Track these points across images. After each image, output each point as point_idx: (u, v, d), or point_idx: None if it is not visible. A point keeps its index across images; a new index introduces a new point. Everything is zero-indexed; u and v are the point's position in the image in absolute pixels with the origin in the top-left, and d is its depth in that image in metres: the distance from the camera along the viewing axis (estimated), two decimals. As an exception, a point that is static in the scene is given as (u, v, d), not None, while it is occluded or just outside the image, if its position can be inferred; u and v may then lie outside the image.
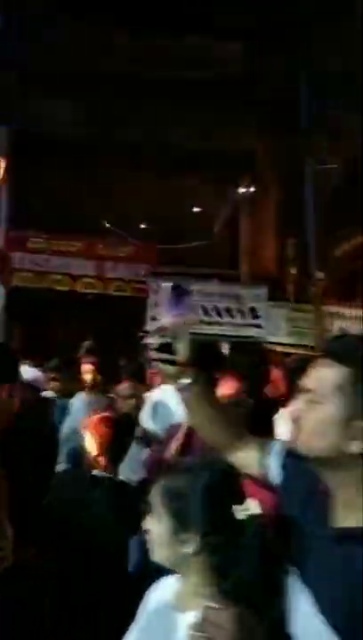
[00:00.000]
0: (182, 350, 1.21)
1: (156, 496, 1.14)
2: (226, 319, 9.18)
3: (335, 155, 9.65)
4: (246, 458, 1.21)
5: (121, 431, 2.31)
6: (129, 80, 8.77)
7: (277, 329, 9.30)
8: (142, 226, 9.82)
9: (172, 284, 8.99)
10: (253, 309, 9.21)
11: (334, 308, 10.53)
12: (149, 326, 9.10)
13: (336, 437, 0.95)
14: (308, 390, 1.00)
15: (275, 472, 1.16)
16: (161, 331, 1.25)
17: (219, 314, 9.15)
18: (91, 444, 2.22)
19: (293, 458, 1.09)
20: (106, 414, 2.45)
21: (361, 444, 0.94)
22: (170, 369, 1.23)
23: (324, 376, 0.99)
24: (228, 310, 9.18)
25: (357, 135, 9.16)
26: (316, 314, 9.09)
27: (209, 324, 9.07)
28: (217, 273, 9.54)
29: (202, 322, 9.02)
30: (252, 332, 9.18)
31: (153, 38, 9.55)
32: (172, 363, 1.22)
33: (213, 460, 1.22)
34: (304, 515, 1.06)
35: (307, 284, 9.67)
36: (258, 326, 9.22)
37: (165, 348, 1.22)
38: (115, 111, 8.94)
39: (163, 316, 8.56)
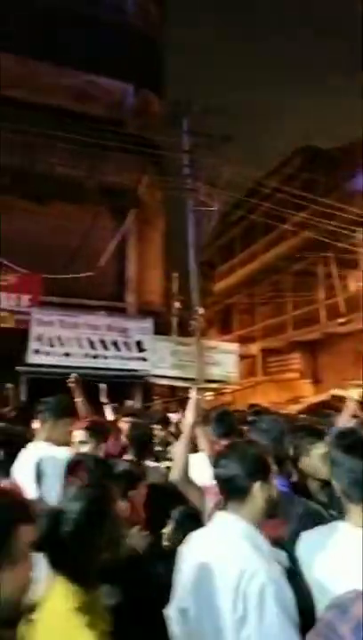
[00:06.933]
0: None
1: None
2: (112, 352, 9.12)
3: (213, 199, 10.28)
4: None
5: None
6: (14, 105, 8.52)
7: (161, 362, 9.46)
8: (26, 256, 9.40)
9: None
10: (139, 342, 9.29)
11: (213, 342, 11.05)
12: (31, 359, 8.68)
13: None
14: None
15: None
16: None
17: (105, 346, 9.05)
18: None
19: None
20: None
21: None
22: None
23: None
24: (114, 343, 9.14)
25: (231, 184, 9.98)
26: (197, 347, 9.43)
27: (95, 357, 8.92)
28: (103, 305, 9.48)
29: (88, 355, 8.85)
30: (137, 364, 9.22)
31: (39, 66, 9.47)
32: None
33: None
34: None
35: (189, 318, 10.03)
36: (143, 359, 9.29)
37: None
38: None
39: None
